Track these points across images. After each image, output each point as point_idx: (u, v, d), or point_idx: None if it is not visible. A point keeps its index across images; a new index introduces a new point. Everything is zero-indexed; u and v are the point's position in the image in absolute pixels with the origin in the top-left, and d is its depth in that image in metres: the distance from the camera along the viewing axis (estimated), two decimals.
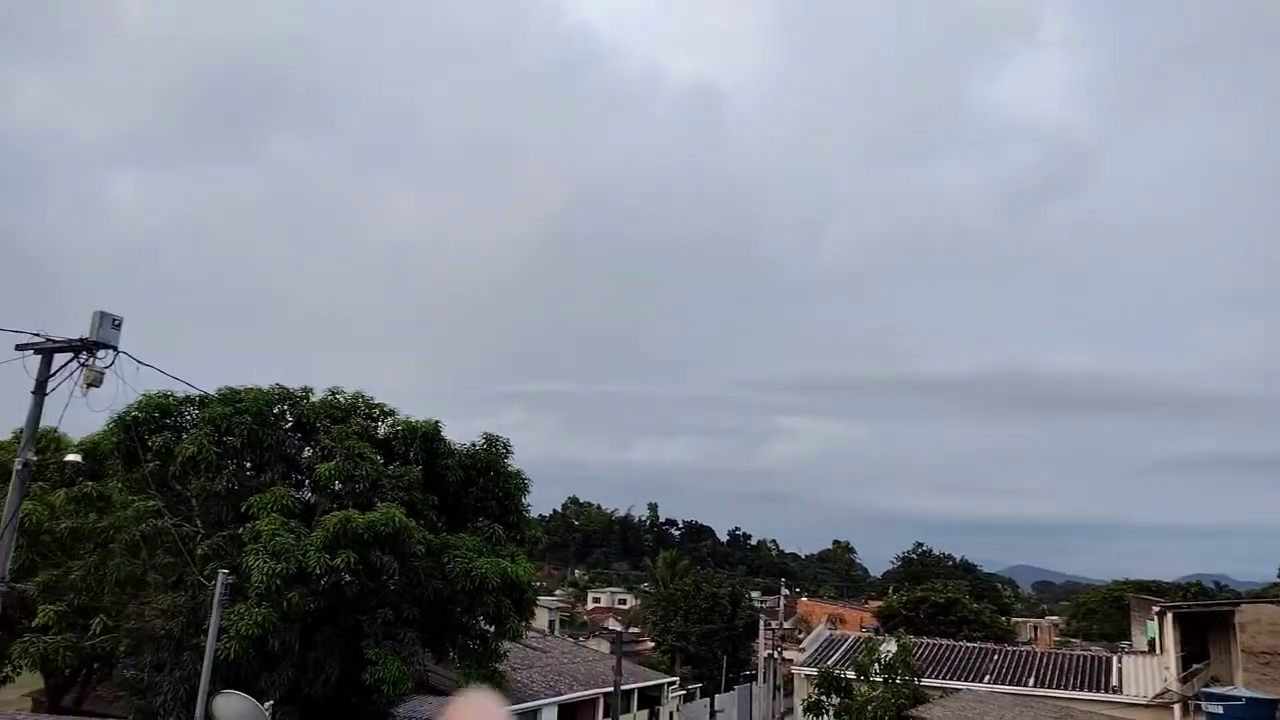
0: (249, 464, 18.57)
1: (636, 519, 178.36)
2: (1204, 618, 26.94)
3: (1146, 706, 26.84)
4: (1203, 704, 22.04)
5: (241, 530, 16.49)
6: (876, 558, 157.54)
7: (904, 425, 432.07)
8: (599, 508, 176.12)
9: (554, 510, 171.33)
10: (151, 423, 17.97)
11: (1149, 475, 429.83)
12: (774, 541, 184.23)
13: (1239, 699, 20.97)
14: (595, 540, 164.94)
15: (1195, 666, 25.54)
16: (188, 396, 18.57)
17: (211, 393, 18.45)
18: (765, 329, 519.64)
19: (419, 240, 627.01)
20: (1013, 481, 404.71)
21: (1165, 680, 27.08)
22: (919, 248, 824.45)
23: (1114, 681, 29.43)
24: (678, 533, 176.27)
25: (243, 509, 17.05)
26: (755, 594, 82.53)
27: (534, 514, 21.36)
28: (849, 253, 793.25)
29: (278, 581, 15.32)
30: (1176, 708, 24.94)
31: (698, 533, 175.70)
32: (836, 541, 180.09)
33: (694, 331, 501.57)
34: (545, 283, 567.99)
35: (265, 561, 15.33)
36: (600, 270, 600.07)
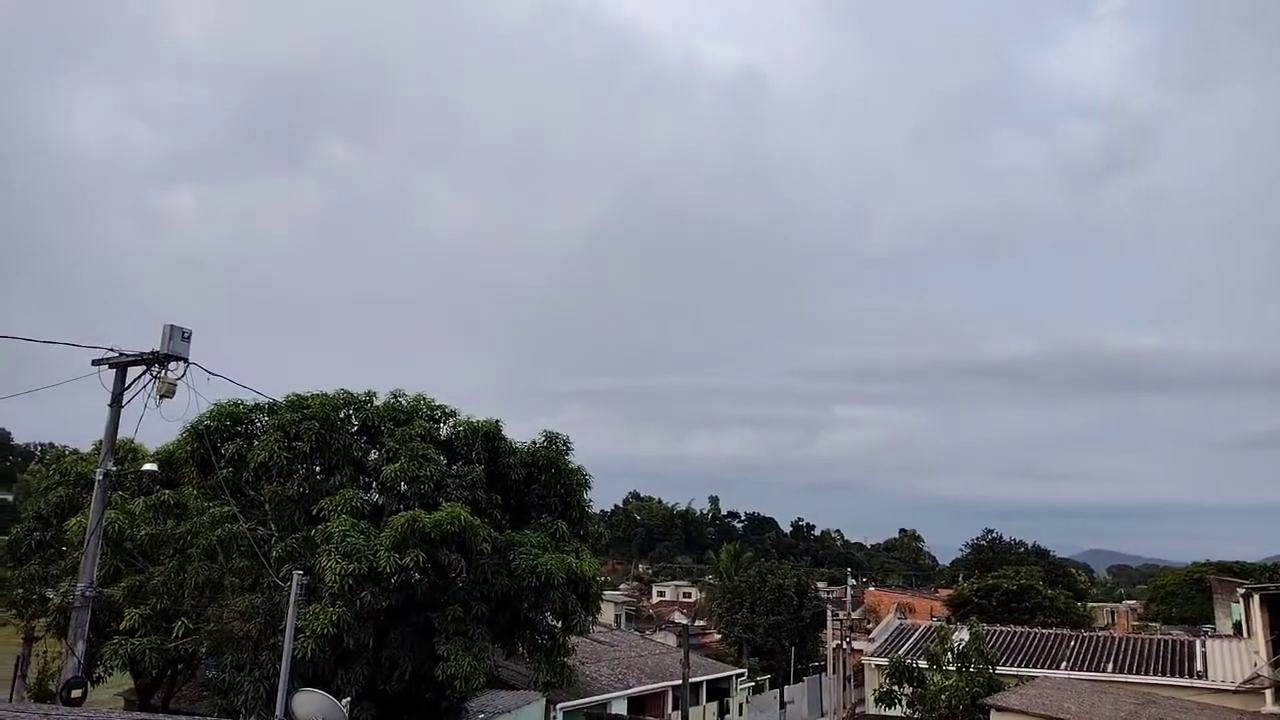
0: (318, 468, 18.96)
1: (698, 512, 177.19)
2: None
3: (1235, 692, 25.91)
4: None
5: (314, 532, 16.89)
6: (945, 546, 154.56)
7: (967, 410, 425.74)
8: (660, 502, 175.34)
9: (615, 505, 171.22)
10: (223, 431, 18.47)
11: (1225, 454, 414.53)
12: (838, 532, 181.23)
13: None
14: (657, 534, 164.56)
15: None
16: (257, 404, 19.02)
17: (280, 400, 18.91)
18: (819, 317, 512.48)
19: (470, 241, 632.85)
20: (1083, 465, 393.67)
21: (1255, 665, 26.14)
22: (974, 229, 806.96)
23: (1198, 666, 28.57)
24: (740, 525, 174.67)
25: (314, 512, 17.47)
26: (821, 585, 78.31)
27: (596, 510, 21.56)
28: (902, 236, 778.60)
29: (350, 581, 15.69)
30: (1268, 693, 24.19)
31: (760, 525, 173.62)
32: (903, 530, 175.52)
33: (747, 322, 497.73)
34: (596, 278, 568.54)
35: (338, 562, 15.69)
36: (649, 264, 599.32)
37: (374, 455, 19.34)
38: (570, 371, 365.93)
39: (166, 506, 19.25)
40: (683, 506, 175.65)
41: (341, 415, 19.16)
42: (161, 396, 13.83)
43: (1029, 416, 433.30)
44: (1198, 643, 30.64)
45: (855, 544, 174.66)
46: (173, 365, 14.04)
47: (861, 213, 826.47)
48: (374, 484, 18.94)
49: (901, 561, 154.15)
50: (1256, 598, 26.50)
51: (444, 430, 19.95)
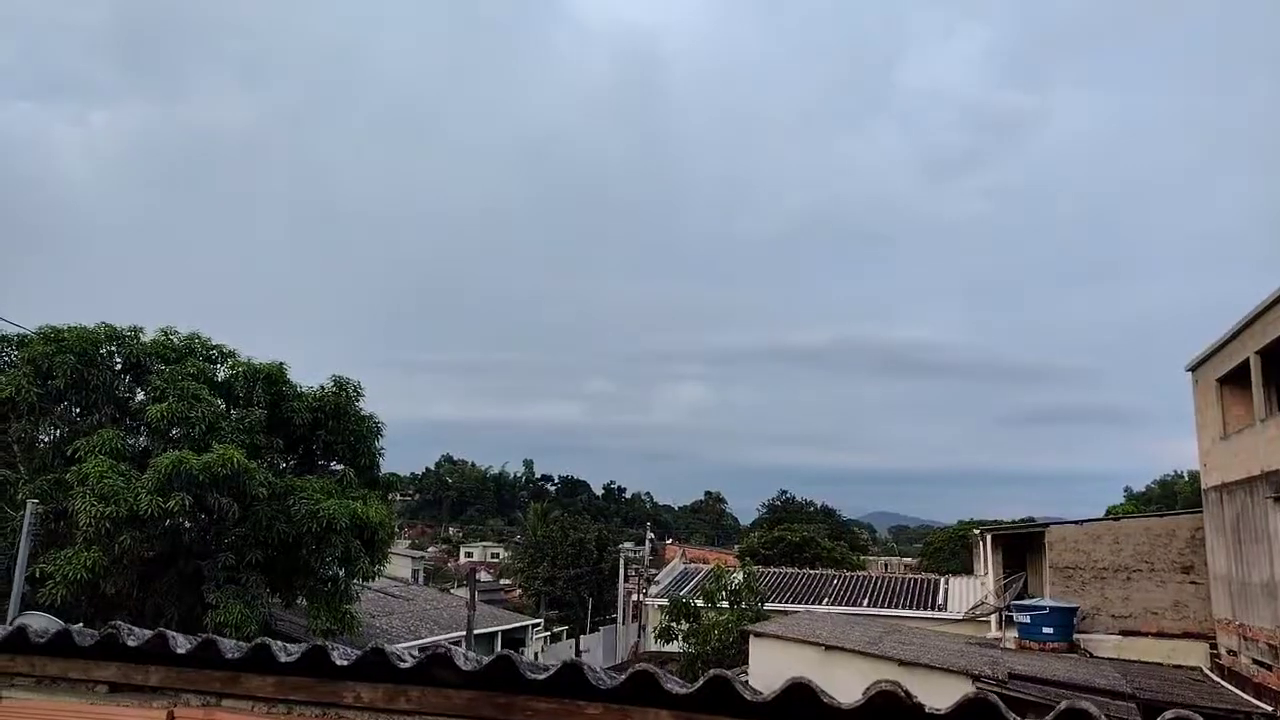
0: (76, 408, 17.82)
1: (512, 476, 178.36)
2: (1022, 541, 29.18)
3: (965, 620, 28.74)
4: (1014, 614, 24.16)
5: (68, 474, 15.87)
6: (747, 508, 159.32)
7: (777, 387, 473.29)
8: (473, 465, 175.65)
9: (426, 468, 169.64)
10: None
11: (990, 430, 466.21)
12: (648, 494, 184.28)
13: (1044, 608, 23.17)
14: (470, 498, 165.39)
15: (1006, 580, 27.81)
16: (5, 336, 17.78)
17: (30, 331, 17.63)
18: (666, 303, 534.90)
19: (349, 198, 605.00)
20: (872, 436, 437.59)
21: (984, 596, 29.23)
22: (833, 218, 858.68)
23: (940, 601, 31.77)
24: (553, 488, 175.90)
25: (70, 454, 16.37)
26: (628, 545, 72.62)
27: (407, 473, 22.60)
28: (772, 221, 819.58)
29: (107, 525, 14.83)
30: (992, 619, 26.91)
31: (573, 487, 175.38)
32: (708, 492, 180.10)
33: (596, 300, 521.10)
34: (465, 253, 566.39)
35: (93, 504, 14.81)
36: (520, 240, 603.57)
37: (140, 395, 18.22)
38: (424, 343, 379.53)
39: None
40: (496, 470, 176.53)
41: (103, 351, 17.99)
42: None
43: (829, 393, 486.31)
44: (941, 581, 34.13)
45: (664, 506, 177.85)
46: None
47: (737, 196, 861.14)
48: (140, 426, 17.88)
49: (706, 522, 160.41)
50: (989, 537, 29.82)
51: (221, 372, 19.02)
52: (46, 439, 17.56)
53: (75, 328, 17.69)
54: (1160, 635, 23.85)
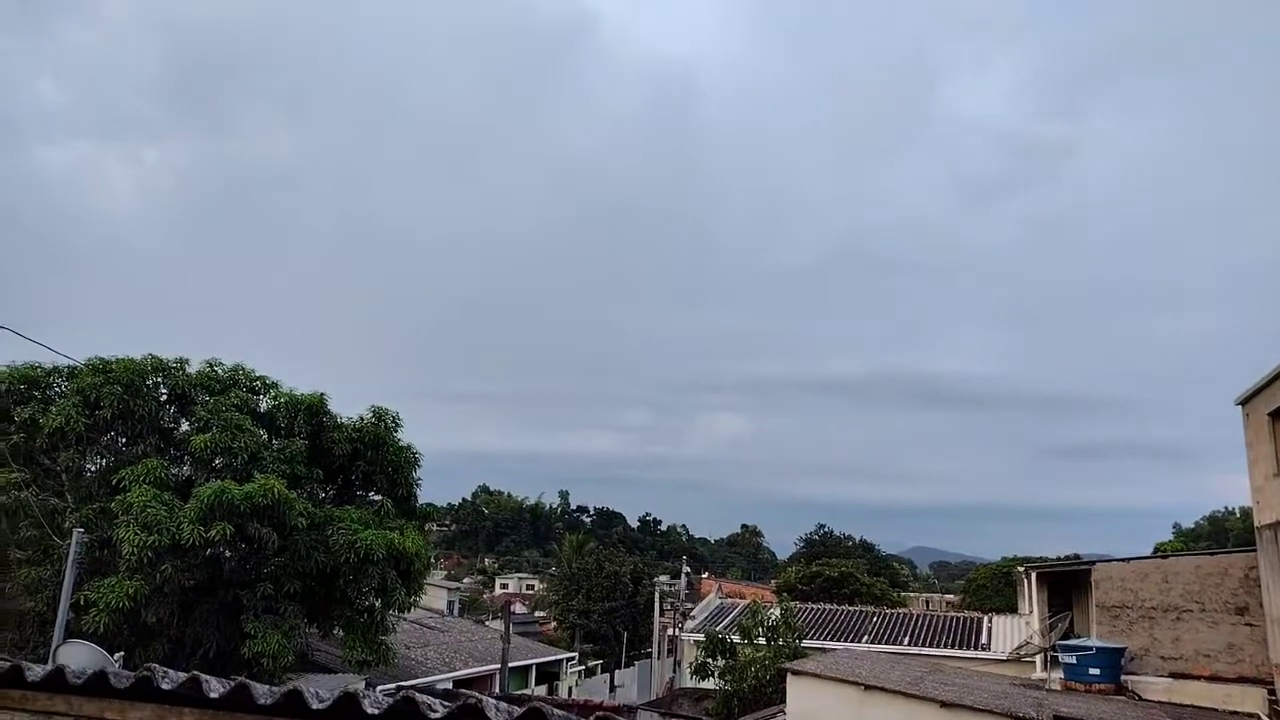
0: (122, 437, 18.06)
1: (548, 506, 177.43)
2: (1068, 579, 28.34)
3: (1011, 661, 28.08)
4: (1059, 655, 23.53)
5: (113, 503, 16.07)
6: (784, 542, 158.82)
7: (813, 419, 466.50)
8: (509, 496, 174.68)
9: (463, 499, 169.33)
10: (16, 394, 17.48)
11: (1030, 463, 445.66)
12: (684, 526, 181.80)
13: (1089, 649, 22.58)
14: (505, 528, 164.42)
15: (1051, 619, 27.23)
16: (56, 367, 18.09)
17: (80, 363, 17.94)
18: (699, 332, 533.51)
19: (392, 232, 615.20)
20: (911, 469, 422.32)
21: (1029, 636, 28.61)
22: (867, 248, 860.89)
23: (984, 640, 31.11)
24: (589, 519, 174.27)
25: (115, 483, 16.59)
26: (663, 578, 70.90)
27: (444, 503, 21.99)
28: (797, 253, 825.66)
29: (149, 554, 15.04)
30: (1038, 659, 26.32)
31: (609, 519, 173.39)
32: (745, 525, 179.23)
33: (630, 329, 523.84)
34: (501, 283, 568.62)
35: (136, 533, 15.01)
36: (555, 270, 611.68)
37: (185, 426, 18.53)
38: (460, 372, 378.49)
39: None
40: (532, 500, 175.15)
41: (149, 382, 18.25)
42: None
43: (867, 425, 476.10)
44: (985, 619, 33.46)
45: (700, 539, 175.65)
46: None
47: (772, 226, 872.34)
48: (184, 456, 18.19)
49: (742, 556, 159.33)
50: (1034, 575, 28.81)
51: (264, 403, 19.29)
52: (93, 468, 17.79)
53: (123, 359, 18.00)
54: (1214, 679, 23.02)
